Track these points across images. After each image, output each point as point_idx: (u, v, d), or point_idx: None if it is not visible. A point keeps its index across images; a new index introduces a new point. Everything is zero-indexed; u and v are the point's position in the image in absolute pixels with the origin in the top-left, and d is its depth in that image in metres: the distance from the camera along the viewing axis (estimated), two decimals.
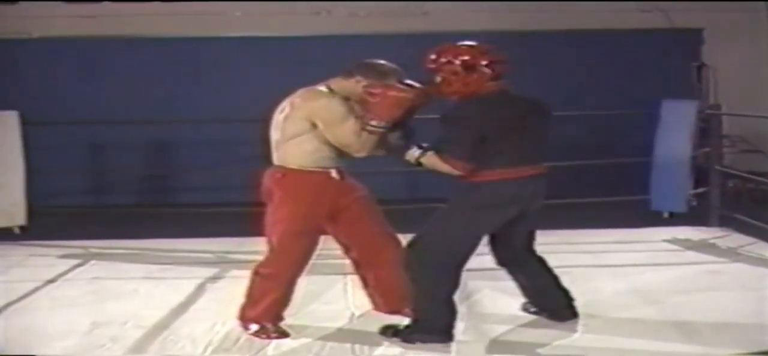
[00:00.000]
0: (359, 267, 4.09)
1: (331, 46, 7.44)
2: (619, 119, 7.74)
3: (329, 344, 3.77)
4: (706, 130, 6.68)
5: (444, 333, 3.69)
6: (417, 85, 3.71)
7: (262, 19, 8.56)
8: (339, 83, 3.82)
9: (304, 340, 3.81)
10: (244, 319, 3.87)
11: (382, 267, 4.00)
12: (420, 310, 3.70)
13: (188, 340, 3.85)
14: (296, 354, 3.70)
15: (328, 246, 4.07)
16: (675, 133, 6.59)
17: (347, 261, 4.13)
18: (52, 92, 8.19)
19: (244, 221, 4.99)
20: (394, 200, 4.82)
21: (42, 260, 5.57)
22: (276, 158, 3.85)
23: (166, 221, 6.85)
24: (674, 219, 6.54)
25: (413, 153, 3.64)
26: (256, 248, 4.07)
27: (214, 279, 5.00)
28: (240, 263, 5.03)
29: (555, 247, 5.20)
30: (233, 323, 3.92)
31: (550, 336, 3.82)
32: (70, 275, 5.16)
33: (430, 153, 3.61)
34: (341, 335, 3.91)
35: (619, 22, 8.60)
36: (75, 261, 5.46)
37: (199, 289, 4.75)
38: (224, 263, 5.37)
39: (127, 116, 8.10)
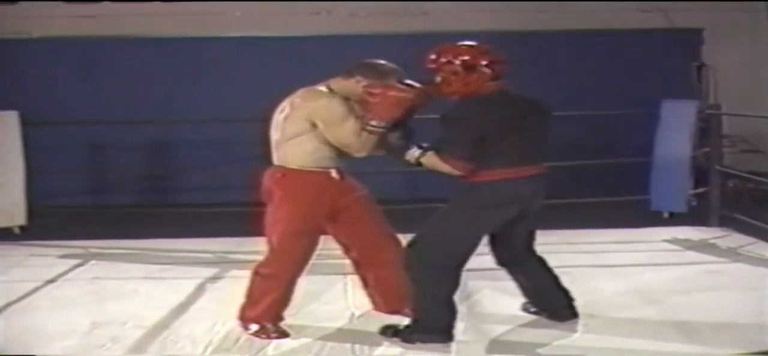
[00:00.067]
0: (359, 267, 4.09)
1: (331, 46, 7.44)
2: (620, 119, 7.74)
3: (329, 344, 3.77)
4: (706, 130, 6.68)
5: (444, 333, 3.69)
6: (417, 85, 3.71)
7: (262, 19, 8.56)
8: (339, 83, 3.82)
9: (304, 340, 3.81)
10: (244, 319, 3.87)
11: (382, 266, 4.00)
12: (420, 310, 3.70)
13: (188, 340, 3.85)
14: (296, 354, 3.70)
15: (328, 246, 4.07)
16: (675, 133, 6.59)
17: (347, 261, 4.13)
18: (52, 91, 8.19)
19: (244, 221, 4.99)
20: (394, 200, 4.82)
21: (42, 260, 5.57)
22: (276, 158, 3.85)
23: (166, 222, 6.86)
24: (674, 219, 6.54)
25: (413, 153, 3.64)
26: (256, 248, 4.07)
27: (214, 279, 5.00)
28: (240, 264, 5.03)
29: (555, 247, 5.20)
30: (233, 323, 3.92)
31: (550, 336, 3.82)
32: (70, 275, 5.16)
33: (430, 153, 3.61)
34: (341, 335, 3.91)
35: (619, 22, 8.60)
36: (75, 261, 5.46)
37: (199, 289, 4.75)
38: (224, 263, 5.37)
39: (127, 116, 8.10)
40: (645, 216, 6.56)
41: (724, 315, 4.12)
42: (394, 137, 3.71)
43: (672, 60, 8.51)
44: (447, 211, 3.70)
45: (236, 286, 4.11)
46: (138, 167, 8.66)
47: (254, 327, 3.83)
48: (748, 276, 4.97)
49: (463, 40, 3.74)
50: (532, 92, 3.77)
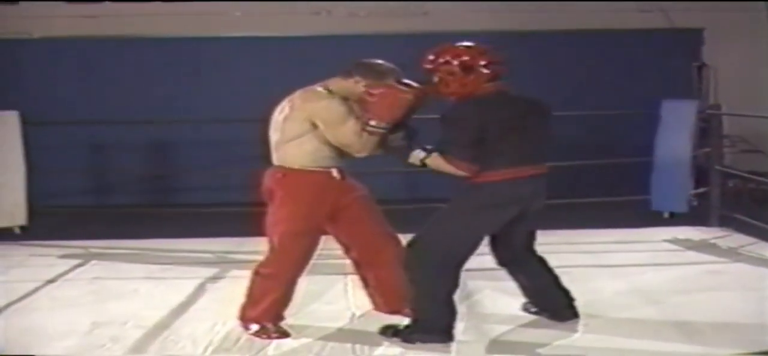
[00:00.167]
0: (359, 267, 4.09)
1: (332, 46, 7.44)
2: (620, 119, 7.74)
3: (330, 344, 3.77)
4: (707, 130, 6.68)
5: (444, 333, 3.69)
6: (415, 85, 3.71)
7: (263, 19, 8.57)
8: (337, 83, 3.82)
9: (304, 340, 3.81)
10: (245, 319, 3.87)
11: (382, 267, 4.00)
12: (420, 310, 3.70)
13: (189, 340, 3.85)
14: (297, 354, 3.70)
15: (328, 246, 4.07)
16: (675, 133, 6.59)
17: (348, 262, 4.13)
18: (53, 92, 8.19)
19: (244, 221, 4.99)
20: (394, 200, 4.82)
21: (42, 260, 5.57)
22: (276, 159, 3.85)
23: (166, 222, 6.86)
24: (675, 219, 6.54)
25: (418, 155, 3.63)
26: (257, 248, 4.07)
27: (215, 279, 5.00)
28: (240, 264, 5.03)
29: (556, 247, 5.20)
30: (234, 323, 3.92)
31: (551, 336, 3.82)
32: (70, 275, 5.16)
33: (435, 155, 3.60)
34: (342, 335, 3.91)
35: (620, 22, 8.60)
36: (75, 261, 5.46)
37: (200, 289, 4.75)
38: (224, 263, 5.37)
39: (127, 116, 8.11)
40: (645, 216, 6.56)
41: (724, 315, 4.12)
42: (397, 138, 3.69)
43: (672, 60, 8.51)
44: (447, 211, 3.70)
45: (237, 286, 4.11)
46: (138, 167, 8.67)
47: (255, 327, 3.83)
48: (749, 276, 4.97)
49: (464, 40, 3.74)
50: (533, 91, 3.77)
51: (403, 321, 3.83)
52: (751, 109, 7.51)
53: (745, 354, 3.59)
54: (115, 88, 8.33)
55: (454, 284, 3.69)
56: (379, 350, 3.70)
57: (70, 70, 8.43)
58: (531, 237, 3.93)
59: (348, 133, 3.70)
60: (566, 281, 4.07)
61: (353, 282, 4.34)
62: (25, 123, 6.48)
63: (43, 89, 8.15)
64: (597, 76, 8.41)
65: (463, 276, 3.75)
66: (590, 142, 7.76)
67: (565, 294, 4.01)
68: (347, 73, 3.82)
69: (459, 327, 3.77)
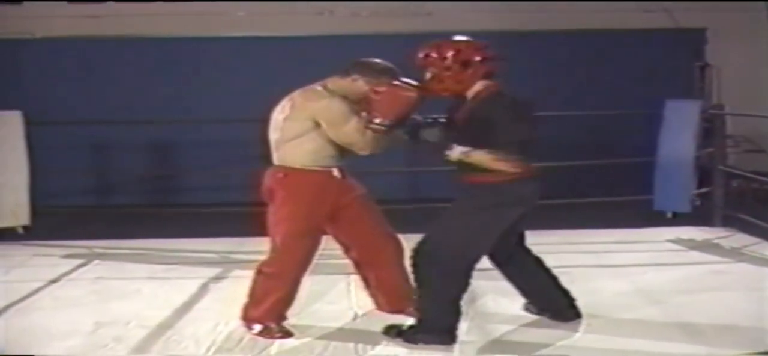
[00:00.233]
0: (360, 267, 4.09)
1: (334, 46, 7.44)
2: (623, 119, 7.74)
3: (332, 343, 3.77)
4: (710, 130, 6.67)
5: (447, 334, 3.67)
6: (416, 83, 3.70)
7: (265, 20, 8.57)
8: (336, 82, 3.82)
9: (307, 340, 3.81)
10: (248, 319, 3.87)
11: (383, 267, 4.00)
12: (425, 311, 3.68)
13: (191, 340, 3.85)
14: (299, 353, 3.70)
15: (331, 246, 4.07)
16: (678, 133, 6.58)
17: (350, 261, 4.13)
18: (56, 92, 8.20)
19: (247, 221, 4.99)
20: (395, 200, 4.81)
21: (45, 260, 5.57)
22: (276, 158, 3.85)
23: (169, 221, 6.86)
24: (678, 219, 6.52)
25: (455, 152, 3.51)
26: (259, 248, 4.07)
27: (218, 278, 5.00)
28: (243, 263, 5.03)
29: (558, 247, 5.21)
30: (236, 323, 3.92)
31: (553, 336, 3.82)
32: (73, 275, 5.17)
33: (478, 151, 3.49)
34: (344, 335, 3.91)
35: (623, 22, 8.60)
36: (78, 261, 5.47)
37: (203, 289, 4.75)
38: (227, 263, 5.38)
39: (130, 116, 8.12)
40: (648, 216, 6.55)
41: (727, 315, 4.11)
42: (433, 134, 3.60)
43: (675, 60, 8.51)
44: (456, 212, 3.64)
45: (239, 286, 4.11)
46: (141, 167, 8.68)
47: (258, 326, 3.83)
48: (752, 276, 4.96)
49: None
50: (537, 92, 3.77)
51: (406, 320, 3.82)
52: (755, 109, 7.50)
53: (748, 354, 3.59)
54: (117, 88, 8.35)
55: (464, 286, 3.67)
56: (382, 350, 3.69)
57: (73, 71, 8.44)
58: (521, 236, 3.92)
59: (351, 131, 3.70)
60: (568, 281, 4.06)
61: (355, 281, 4.34)
62: (28, 123, 6.48)
63: (45, 89, 8.17)
64: (600, 77, 8.41)
65: None
66: (593, 142, 7.76)
67: (565, 294, 4.00)
68: (345, 72, 3.82)
69: (462, 328, 3.77)
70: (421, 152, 3.73)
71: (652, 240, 5.90)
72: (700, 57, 8.70)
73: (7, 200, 6.36)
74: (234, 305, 3.97)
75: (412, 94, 3.65)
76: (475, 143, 3.50)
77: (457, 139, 3.53)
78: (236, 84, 8.28)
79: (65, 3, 8.58)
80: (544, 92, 3.83)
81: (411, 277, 3.77)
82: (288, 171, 3.79)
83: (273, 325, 3.83)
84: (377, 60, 3.84)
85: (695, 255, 5.51)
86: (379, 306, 4.11)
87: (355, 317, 4.16)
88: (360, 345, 3.73)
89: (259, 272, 3.87)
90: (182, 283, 4.83)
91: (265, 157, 3.93)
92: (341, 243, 4.04)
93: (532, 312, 4.07)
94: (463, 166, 3.55)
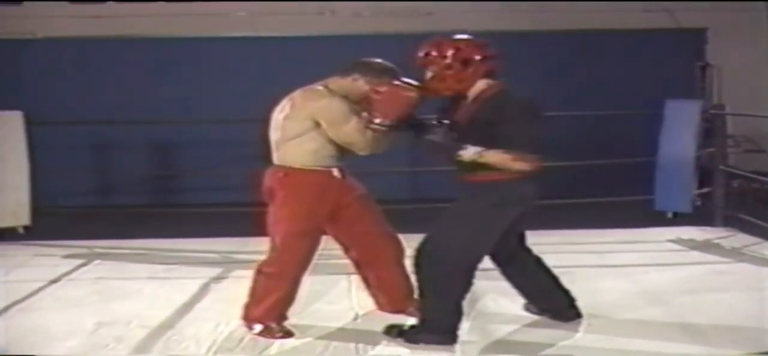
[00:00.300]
0: (360, 267, 4.09)
1: (335, 46, 7.45)
2: (624, 119, 7.74)
3: (333, 343, 3.77)
4: (711, 130, 6.67)
5: (448, 334, 3.67)
6: (416, 83, 3.70)
7: (266, 19, 8.58)
8: (336, 82, 3.82)
9: (307, 340, 3.81)
10: (248, 319, 3.87)
11: (383, 267, 4.01)
12: (427, 310, 3.67)
13: (192, 340, 3.85)
14: (300, 353, 3.70)
15: (332, 246, 4.07)
16: (679, 133, 6.58)
17: None
18: (56, 92, 8.21)
19: (248, 221, 4.99)
20: (395, 200, 4.81)
21: (46, 260, 5.58)
22: (277, 158, 3.85)
23: (170, 221, 6.86)
24: (678, 219, 6.52)
25: (468, 152, 3.48)
26: (260, 248, 4.07)
27: (219, 278, 5.00)
28: (244, 263, 5.03)
29: (559, 247, 5.21)
30: (237, 323, 3.92)
31: (555, 336, 3.82)
32: (74, 275, 5.17)
33: (492, 151, 3.46)
34: (345, 334, 3.91)
35: (624, 22, 8.60)
36: (79, 261, 5.47)
37: (204, 289, 4.75)
38: (228, 263, 5.38)
39: (131, 116, 8.12)
40: (649, 216, 6.55)
41: (728, 315, 4.11)
42: (441, 135, 3.55)
43: (676, 60, 8.51)
44: (458, 212, 3.63)
45: (240, 286, 4.11)
46: (142, 167, 8.68)
47: (258, 326, 3.83)
48: (753, 276, 4.96)
49: None
50: (538, 92, 3.75)
51: (407, 320, 3.82)
52: (756, 109, 7.50)
53: (748, 354, 3.58)
54: (118, 88, 8.36)
55: (467, 287, 3.66)
56: (383, 350, 3.69)
57: (74, 71, 8.45)
58: (522, 236, 3.91)
59: (351, 131, 3.70)
60: (569, 281, 4.06)
61: (356, 281, 4.34)
62: (29, 123, 6.49)
63: (46, 89, 8.18)
64: (601, 77, 8.41)
65: None
66: (594, 142, 7.77)
67: (566, 293, 4.00)
68: (346, 72, 3.82)
69: (464, 328, 3.76)
70: (429, 154, 3.69)
71: (652, 240, 5.90)
72: (701, 57, 8.71)
73: (8, 200, 6.36)
74: (235, 305, 3.97)
75: (413, 94, 3.65)
76: (490, 143, 3.47)
77: (467, 139, 3.50)
78: (237, 84, 8.28)
79: (66, 3, 8.59)
80: (544, 92, 3.81)
81: (413, 277, 3.76)
82: (288, 171, 3.79)
83: (274, 325, 3.83)
84: (378, 60, 3.84)
85: (696, 255, 5.51)
86: (380, 306, 4.11)
87: (356, 317, 4.16)
88: (361, 345, 3.73)
89: (259, 272, 3.87)
90: (183, 283, 4.84)
91: (266, 157, 3.94)
92: (341, 243, 4.04)
93: (532, 312, 4.07)
94: (471, 166, 3.52)
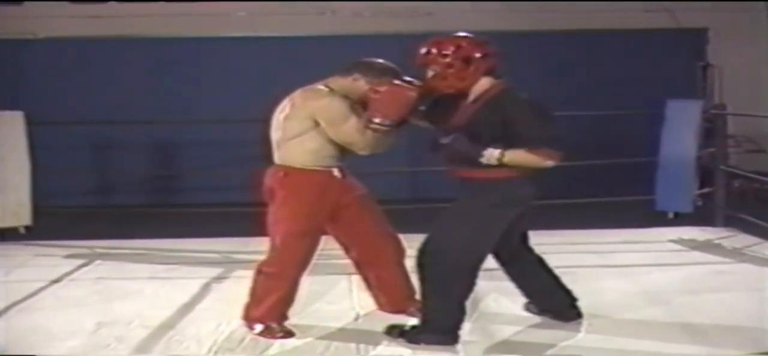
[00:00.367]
0: (360, 267, 4.09)
1: (335, 46, 7.45)
2: (625, 119, 7.74)
3: (334, 344, 3.77)
4: (712, 130, 6.66)
5: (450, 335, 3.66)
6: (416, 82, 3.70)
7: (266, 19, 8.58)
8: (337, 82, 3.82)
9: (308, 340, 3.81)
10: (249, 319, 3.87)
11: (383, 267, 4.00)
12: (428, 311, 3.66)
13: (193, 340, 3.85)
14: (301, 353, 3.70)
15: (332, 246, 4.07)
16: (680, 133, 6.57)
17: None
18: (57, 92, 8.21)
19: (249, 221, 4.99)
20: (396, 200, 4.81)
21: (47, 260, 5.58)
22: (277, 158, 3.85)
23: (171, 221, 6.86)
24: (679, 219, 6.52)
25: (492, 154, 3.46)
26: (261, 248, 4.07)
27: (220, 278, 5.00)
28: (245, 263, 5.02)
29: (560, 247, 5.20)
30: (238, 323, 3.92)
31: (556, 336, 3.81)
32: (75, 275, 5.17)
33: (512, 150, 3.45)
34: (346, 335, 3.90)
35: (624, 22, 8.60)
36: (80, 261, 5.47)
37: (205, 289, 4.75)
38: (229, 263, 5.38)
39: (132, 116, 8.12)
40: (650, 216, 6.54)
41: (729, 315, 4.11)
42: (463, 143, 3.50)
43: (677, 60, 8.51)
44: (460, 211, 3.62)
45: (241, 286, 4.11)
46: (143, 167, 8.68)
47: (259, 326, 3.83)
48: (754, 276, 4.96)
49: None
50: (539, 91, 3.74)
51: (408, 320, 3.82)
52: (757, 109, 7.50)
53: (750, 354, 3.58)
54: (119, 88, 8.36)
55: (470, 286, 3.65)
56: (384, 350, 3.69)
57: (74, 70, 8.45)
58: (525, 236, 3.91)
59: (350, 131, 3.70)
60: (570, 281, 4.06)
61: (357, 281, 4.33)
62: (30, 123, 6.49)
63: (47, 89, 8.18)
64: (602, 77, 8.41)
65: None
66: (595, 142, 7.75)
67: (567, 293, 4.00)
68: (346, 71, 3.82)
69: (465, 328, 3.75)
70: (447, 163, 3.63)
71: (653, 240, 5.89)
72: (702, 57, 8.70)
73: (9, 200, 6.36)
74: (236, 305, 3.97)
75: (412, 93, 3.65)
76: (508, 143, 3.47)
77: (482, 141, 3.48)
78: (237, 84, 8.28)
79: (67, 3, 8.59)
80: (545, 92, 3.81)
81: (415, 277, 3.76)
82: (288, 170, 3.79)
83: (274, 325, 3.82)
84: (379, 60, 3.84)
85: (697, 255, 5.51)
86: (381, 306, 4.11)
87: (357, 317, 4.15)
88: (362, 346, 3.72)
89: (259, 272, 3.87)
90: (184, 283, 4.84)
91: (266, 157, 3.94)
92: (341, 243, 4.04)
93: (533, 312, 4.06)
94: (486, 166, 3.50)
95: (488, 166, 3.50)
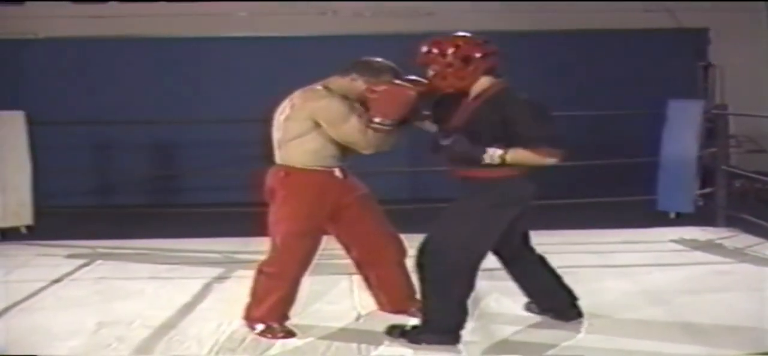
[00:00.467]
0: (361, 267, 4.09)
1: (336, 46, 7.45)
2: (626, 119, 7.73)
3: (335, 344, 3.77)
4: (713, 130, 6.66)
5: (451, 335, 3.66)
6: (418, 80, 3.70)
7: (267, 19, 8.58)
8: (336, 82, 3.82)
9: (309, 340, 3.81)
10: (250, 319, 3.87)
11: (384, 267, 4.01)
12: (429, 310, 3.66)
13: (194, 340, 3.85)
14: (302, 353, 3.70)
15: (333, 246, 4.07)
16: (681, 133, 6.58)
17: None
18: (58, 92, 8.21)
19: (250, 221, 4.99)
20: (396, 200, 4.81)
21: (48, 260, 5.58)
22: (278, 158, 3.86)
23: (172, 221, 6.86)
24: (681, 219, 6.52)
25: (494, 153, 3.47)
26: (262, 248, 4.07)
27: (221, 278, 5.00)
28: (246, 263, 5.02)
29: (561, 247, 5.20)
30: (239, 322, 3.92)
31: (557, 336, 3.81)
32: (76, 275, 5.17)
33: (514, 150, 3.46)
34: (347, 334, 3.90)
35: (625, 22, 8.60)
36: (81, 261, 5.47)
37: (206, 289, 4.75)
38: (230, 263, 5.38)
39: (133, 116, 8.12)
40: (651, 216, 6.54)
41: (730, 315, 4.11)
42: (463, 144, 3.51)
43: (678, 60, 8.50)
44: (460, 211, 3.62)
45: (242, 286, 4.11)
46: (144, 167, 8.68)
47: (260, 326, 3.83)
48: (755, 276, 4.95)
49: None
50: (539, 91, 3.74)
51: (409, 320, 3.82)
52: (758, 109, 7.49)
53: (750, 354, 3.58)
54: (120, 88, 8.36)
55: (470, 286, 3.65)
56: (385, 350, 3.69)
57: (75, 70, 8.45)
58: (526, 236, 3.91)
59: (351, 130, 3.70)
60: (571, 281, 4.06)
61: (358, 281, 4.33)
62: (31, 123, 6.49)
63: (48, 89, 8.18)
64: (603, 77, 8.41)
65: None
66: (596, 142, 7.76)
67: (568, 293, 4.00)
68: (345, 71, 3.82)
69: (467, 328, 3.75)
70: (448, 163, 3.65)
71: (655, 240, 5.89)
72: (703, 57, 8.70)
73: (10, 200, 6.36)
74: (237, 305, 3.97)
75: (411, 92, 3.65)
76: (509, 142, 3.47)
77: (483, 141, 3.49)
78: (238, 84, 8.28)
79: (67, 3, 8.59)
80: (545, 92, 3.80)
81: (415, 277, 3.76)
82: (289, 170, 3.79)
83: (275, 325, 3.82)
84: (377, 59, 3.84)
85: (698, 255, 5.51)
86: (382, 306, 4.11)
87: (358, 317, 4.15)
88: (363, 346, 3.72)
89: (259, 271, 3.87)
90: (185, 283, 4.84)
91: (267, 157, 3.94)
92: (342, 243, 4.04)
93: (533, 312, 4.06)
94: (488, 165, 3.51)
95: (490, 165, 3.51)
